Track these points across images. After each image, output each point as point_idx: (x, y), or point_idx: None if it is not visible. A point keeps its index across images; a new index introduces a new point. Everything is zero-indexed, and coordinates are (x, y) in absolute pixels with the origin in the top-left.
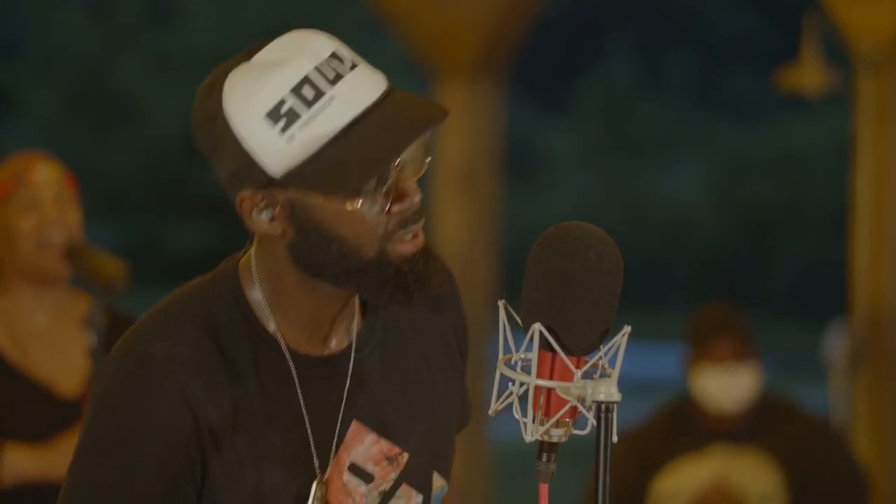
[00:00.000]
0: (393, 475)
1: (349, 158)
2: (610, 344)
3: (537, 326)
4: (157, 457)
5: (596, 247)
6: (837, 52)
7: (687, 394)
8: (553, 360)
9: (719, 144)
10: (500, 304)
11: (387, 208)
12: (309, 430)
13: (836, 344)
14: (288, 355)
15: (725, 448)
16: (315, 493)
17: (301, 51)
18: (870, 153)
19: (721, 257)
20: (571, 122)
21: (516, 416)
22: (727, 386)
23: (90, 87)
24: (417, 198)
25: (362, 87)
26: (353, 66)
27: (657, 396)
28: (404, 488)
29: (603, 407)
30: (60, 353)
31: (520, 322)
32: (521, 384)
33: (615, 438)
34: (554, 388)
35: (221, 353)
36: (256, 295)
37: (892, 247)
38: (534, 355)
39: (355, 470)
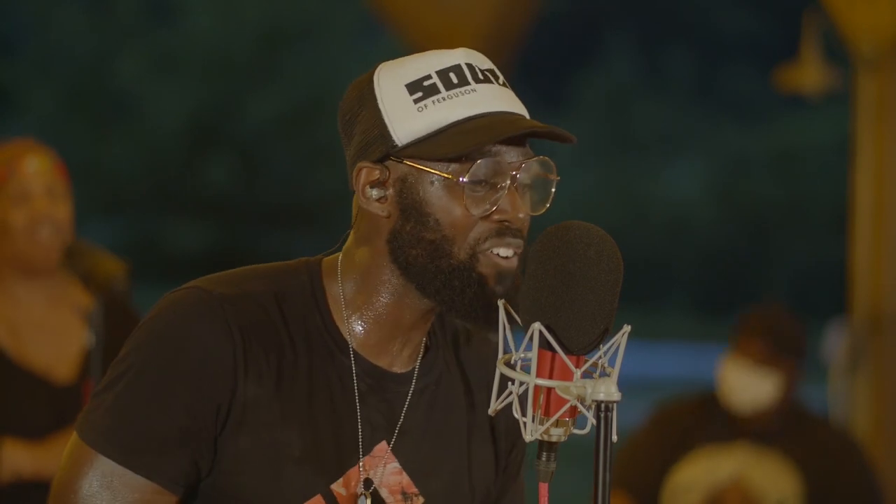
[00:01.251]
0: None
1: (466, 132)
2: (610, 343)
3: (537, 325)
4: (187, 383)
5: (595, 245)
6: (837, 51)
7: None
8: (553, 359)
9: (719, 143)
10: (500, 303)
11: (489, 213)
12: (352, 429)
13: (835, 343)
14: (351, 353)
15: (749, 446)
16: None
17: (461, 50)
18: (869, 152)
19: (720, 256)
20: (571, 119)
21: (516, 415)
22: (745, 384)
23: (90, 85)
24: (522, 214)
25: (503, 97)
26: (503, 85)
27: (657, 396)
28: None
29: (603, 406)
30: (56, 340)
31: (519, 321)
32: (521, 383)
33: (615, 438)
34: (554, 388)
35: (284, 320)
36: (335, 290)
37: (891, 246)
38: (533, 354)
39: (368, 489)
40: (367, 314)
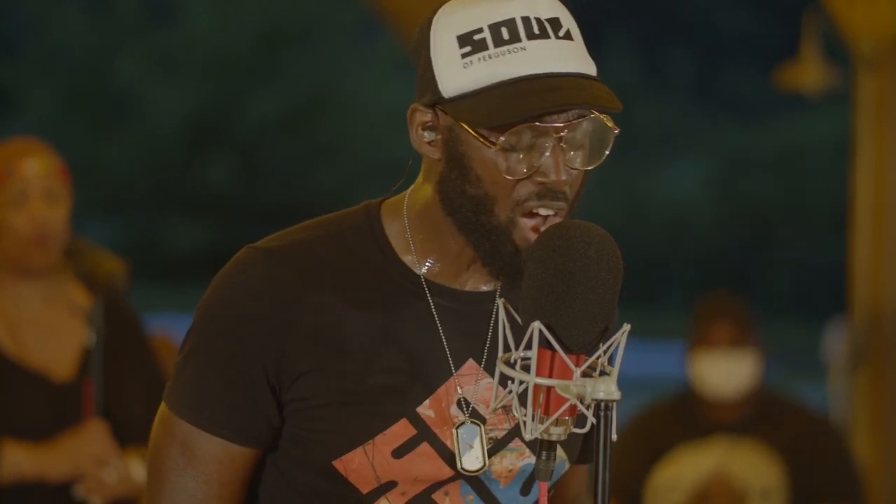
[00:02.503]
0: (506, 425)
1: (505, 99)
2: (609, 342)
3: (537, 325)
4: (231, 343)
5: (595, 244)
6: (837, 51)
7: (688, 386)
8: (552, 358)
9: (719, 142)
10: (500, 302)
11: (529, 174)
12: (424, 355)
13: (835, 342)
14: (422, 280)
15: (727, 440)
16: (469, 433)
17: None
18: (869, 151)
19: (720, 255)
20: None
21: (516, 414)
22: (723, 371)
23: (89, 85)
24: (563, 178)
25: (557, 55)
26: (564, 38)
27: (656, 394)
28: (517, 442)
29: (602, 405)
30: (53, 338)
31: (519, 320)
32: (521, 382)
33: (615, 437)
34: (553, 387)
35: (339, 258)
36: (398, 226)
37: (891, 245)
38: (533, 353)
39: (463, 407)
40: (433, 247)
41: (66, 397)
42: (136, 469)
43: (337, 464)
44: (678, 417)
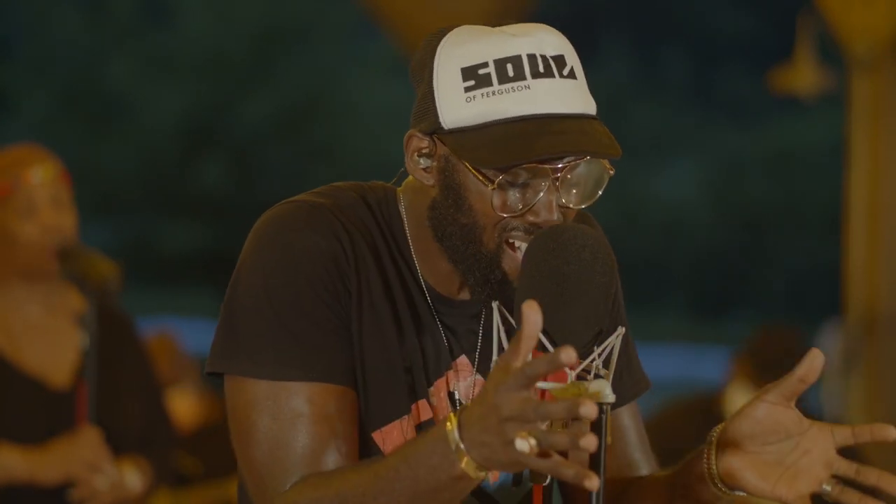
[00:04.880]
0: None
1: (507, 138)
2: (604, 345)
3: None
4: (316, 279)
5: (590, 247)
6: (831, 53)
7: (705, 393)
8: None
9: (714, 144)
10: (494, 305)
11: (522, 212)
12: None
13: (830, 344)
14: (424, 283)
15: None
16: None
17: (528, 34)
18: (864, 153)
19: (715, 257)
20: None
21: None
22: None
23: (84, 86)
24: (555, 217)
25: (561, 96)
26: (568, 76)
27: (653, 397)
28: None
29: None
30: (52, 345)
31: (514, 323)
32: None
33: (609, 439)
34: (548, 390)
35: (378, 225)
36: (402, 225)
37: (886, 247)
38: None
39: (454, 401)
40: (427, 263)
41: (62, 404)
42: (130, 476)
43: (377, 435)
44: (703, 424)
